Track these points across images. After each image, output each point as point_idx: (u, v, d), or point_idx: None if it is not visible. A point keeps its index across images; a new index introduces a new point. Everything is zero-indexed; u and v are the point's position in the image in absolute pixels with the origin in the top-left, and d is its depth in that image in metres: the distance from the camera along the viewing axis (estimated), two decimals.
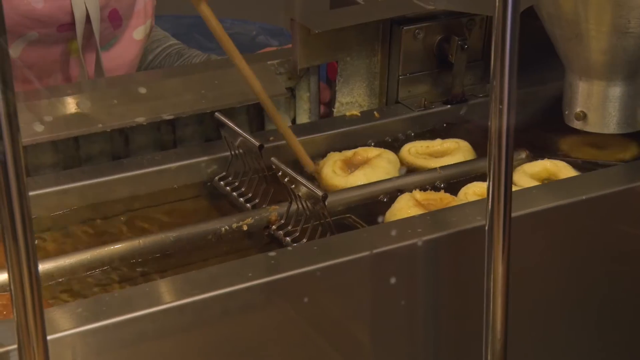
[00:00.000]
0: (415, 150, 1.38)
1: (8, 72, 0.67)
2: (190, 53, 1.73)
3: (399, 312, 1.07)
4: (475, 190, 1.25)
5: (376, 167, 1.32)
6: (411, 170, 1.36)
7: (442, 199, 1.24)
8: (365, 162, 1.34)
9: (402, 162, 1.36)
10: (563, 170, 1.30)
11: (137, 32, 1.66)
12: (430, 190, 1.27)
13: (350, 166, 1.34)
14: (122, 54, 1.66)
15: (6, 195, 0.69)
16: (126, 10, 1.62)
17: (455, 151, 1.37)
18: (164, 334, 0.96)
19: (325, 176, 1.32)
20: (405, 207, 1.21)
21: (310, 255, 1.03)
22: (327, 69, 1.55)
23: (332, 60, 1.47)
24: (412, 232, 1.07)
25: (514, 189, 1.16)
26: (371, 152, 1.36)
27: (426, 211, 1.19)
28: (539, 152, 1.36)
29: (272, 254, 1.04)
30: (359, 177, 1.31)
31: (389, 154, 1.35)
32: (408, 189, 1.28)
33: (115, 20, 1.61)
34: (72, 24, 1.55)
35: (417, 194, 1.24)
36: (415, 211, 1.19)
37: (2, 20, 0.66)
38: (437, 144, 1.39)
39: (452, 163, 1.35)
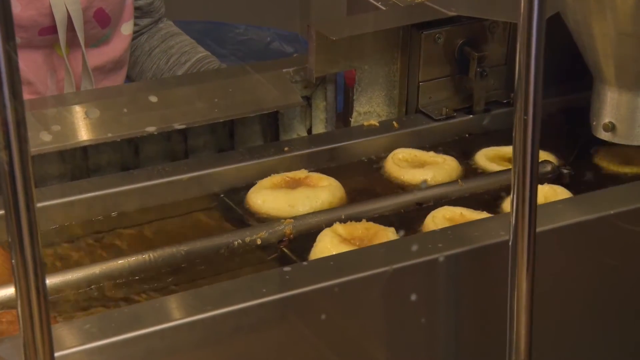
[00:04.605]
0: (403, 157, 1.35)
1: (17, 82, 0.66)
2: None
3: (419, 330, 1.06)
4: (445, 215, 1.21)
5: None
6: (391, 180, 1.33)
7: (368, 229, 1.18)
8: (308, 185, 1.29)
9: (387, 170, 1.34)
10: (561, 195, 1.26)
11: (124, 27, 1.67)
12: (352, 221, 1.20)
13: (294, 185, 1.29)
14: (111, 50, 1.66)
15: (13, 207, 0.69)
16: (115, 8, 1.63)
17: (440, 165, 1.33)
18: (174, 352, 0.95)
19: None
20: (329, 246, 1.15)
21: (327, 271, 1.02)
22: (344, 77, 1.53)
23: (349, 68, 1.46)
24: (433, 247, 1.06)
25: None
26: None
27: (354, 247, 1.13)
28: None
29: (287, 269, 1.02)
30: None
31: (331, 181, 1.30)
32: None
33: (103, 20, 1.61)
34: (54, 26, 1.55)
35: (339, 227, 1.18)
36: (342, 248, 1.13)
37: (11, 24, 0.65)
38: (428, 156, 1.36)
39: (433, 175, 1.32)
